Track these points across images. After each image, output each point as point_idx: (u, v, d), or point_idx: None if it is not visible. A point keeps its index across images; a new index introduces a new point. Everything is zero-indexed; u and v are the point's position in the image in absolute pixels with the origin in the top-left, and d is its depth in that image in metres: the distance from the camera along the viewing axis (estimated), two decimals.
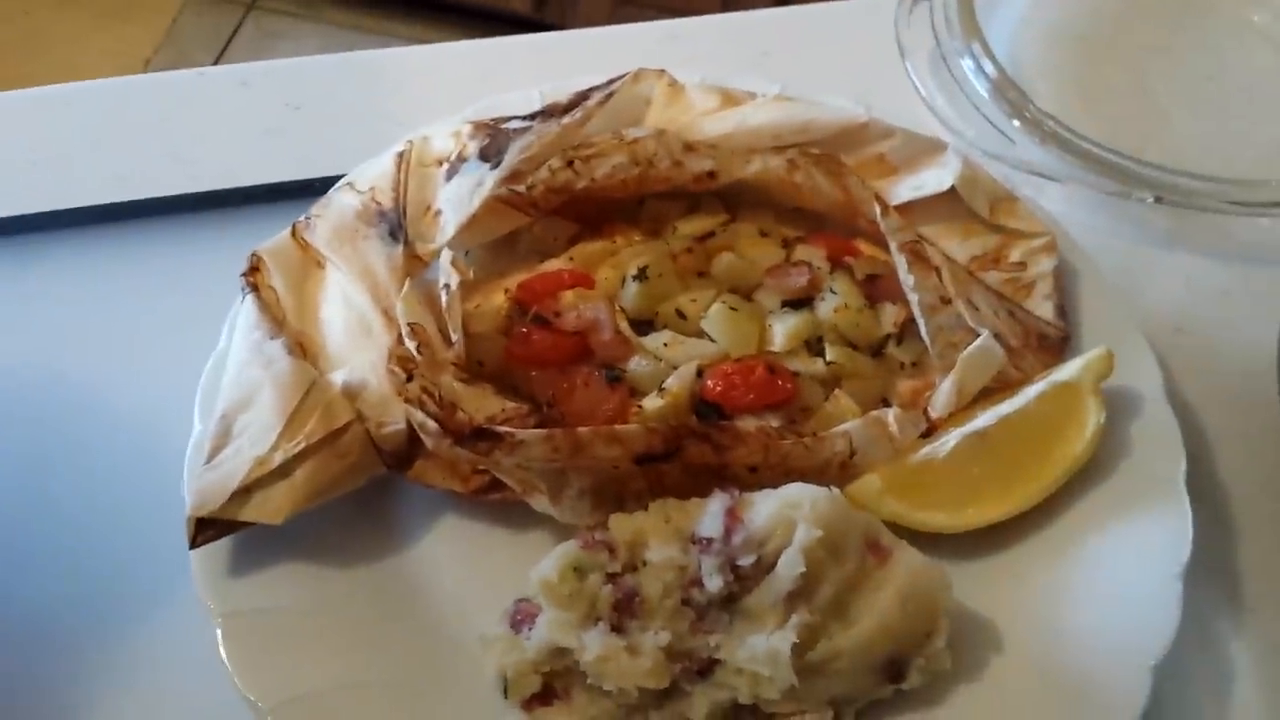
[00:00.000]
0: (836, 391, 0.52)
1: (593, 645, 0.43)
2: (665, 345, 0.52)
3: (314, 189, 0.61)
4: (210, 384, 0.51)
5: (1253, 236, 0.65)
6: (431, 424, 0.46)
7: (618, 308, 0.53)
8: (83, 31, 2.17)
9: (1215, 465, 0.59)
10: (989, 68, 0.69)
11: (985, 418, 0.51)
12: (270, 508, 0.46)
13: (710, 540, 0.45)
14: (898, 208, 0.56)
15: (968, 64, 0.70)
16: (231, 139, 0.67)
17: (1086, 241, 0.61)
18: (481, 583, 0.48)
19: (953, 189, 0.56)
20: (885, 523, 0.48)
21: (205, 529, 0.46)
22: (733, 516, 0.45)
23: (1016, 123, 0.68)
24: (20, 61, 2.10)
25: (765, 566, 0.44)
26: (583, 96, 0.58)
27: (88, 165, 0.66)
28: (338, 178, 0.59)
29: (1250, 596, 0.55)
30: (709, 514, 0.45)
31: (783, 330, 0.53)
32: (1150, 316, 0.61)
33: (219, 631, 0.46)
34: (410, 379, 0.46)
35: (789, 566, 0.44)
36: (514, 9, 1.95)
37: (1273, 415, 0.58)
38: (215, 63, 2.17)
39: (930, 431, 0.51)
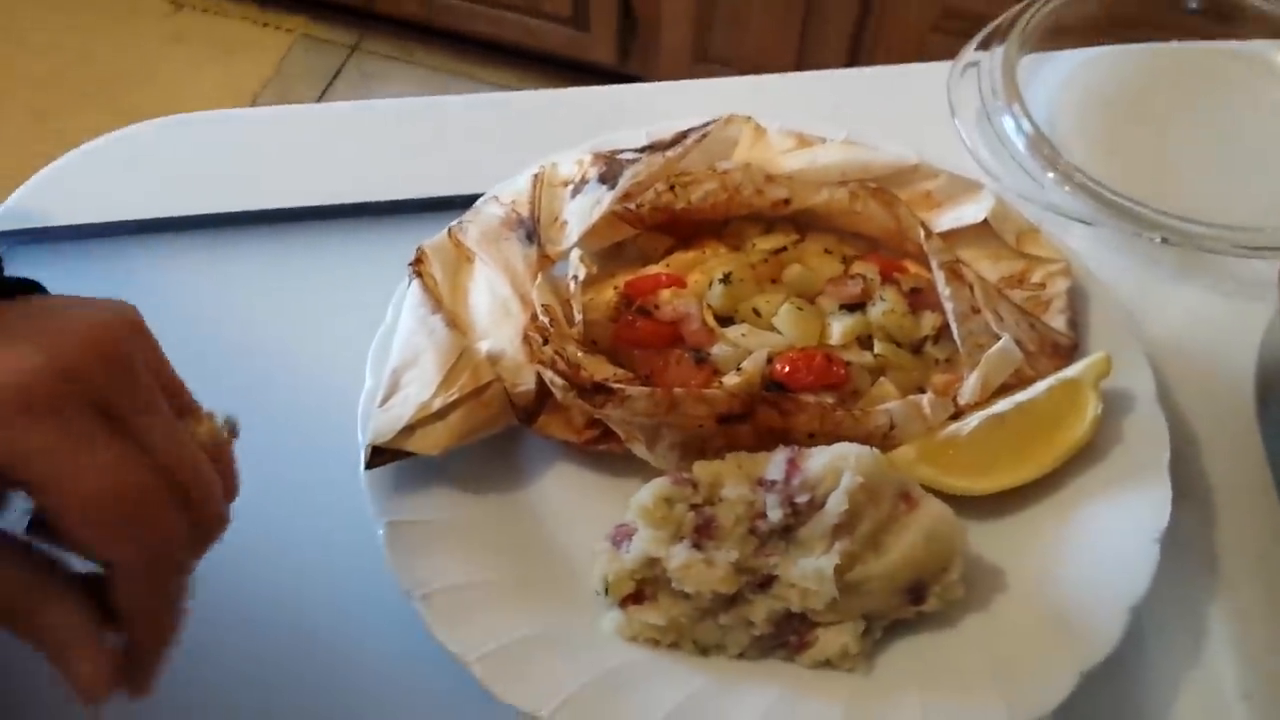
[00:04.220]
0: (881, 379, 0.63)
1: (678, 557, 0.55)
2: (743, 335, 0.64)
3: (456, 204, 0.73)
4: (380, 350, 0.64)
5: (1249, 275, 0.75)
6: (560, 380, 0.58)
7: (705, 305, 0.65)
8: (195, 65, 2.32)
9: (1202, 464, 0.68)
10: (1027, 126, 0.81)
11: (1002, 404, 0.62)
12: (429, 442, 0.59)
13: (774, 482, 0.56)
14: (939, 234, 0.67)
15: (1009, 122, 0.81)
16: (390, 161, 0.80)
17: (1103, 274, 0.72)
18: (588, 512, 0.60)
19: (986, 221, 0.68)
20: None
21: (378, 456, 0.59)
22: (793, 465, 0.56)
23: (1051, 175, 0.79)
24: (129, 90, 2.26)
25: (817, 504, 0.55)
26: (682, 135, 0.71)
27: (271, 179, 0.79)
28: (475, 195, 0.72)
29: (1225, 571, 0.64)
30: (774, 462, 0.57)
31: (839, 328, 0.64)
32: (1155, 340, 0.71)
33: (382, 536, 0.58)
34: (546, 343, 0.59)
35: (835, 505, 0.54)
36: (597, 60, 2.08)
37: (1252, 424, 0.69)
38: (318, 100, 2.31)
39: (957, 415, 0.63)
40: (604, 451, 0.62)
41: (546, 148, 0.73)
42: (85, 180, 0.79)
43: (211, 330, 0.70)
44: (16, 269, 0.75)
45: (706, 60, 1.94)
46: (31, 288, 0.47)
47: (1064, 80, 0.86)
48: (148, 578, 0.41)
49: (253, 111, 0.85)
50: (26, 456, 0.38)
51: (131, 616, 0.42)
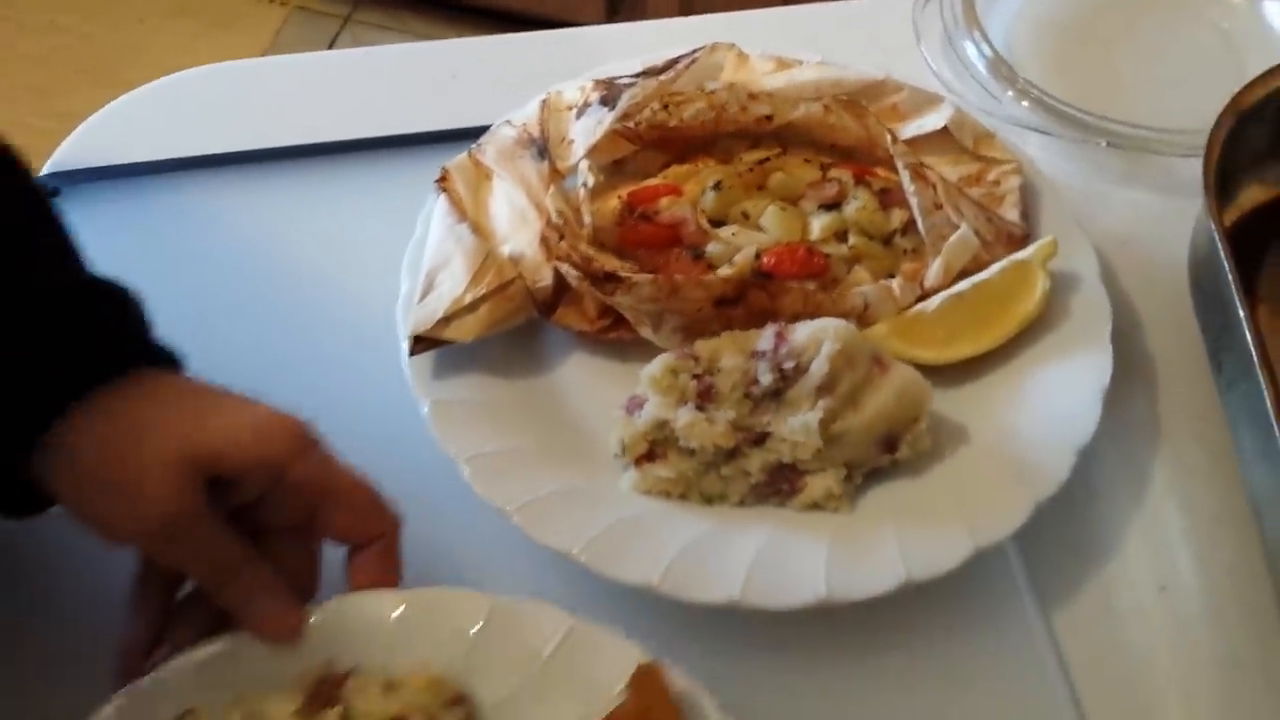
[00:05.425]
0: (856, 267, 0.71)
1: (683, 417, 0.63)
2: (733, 234, 0.72)
3: (471, 134, 0.81)
4: (412, 258, 0.71)
5: (1187, 174, 0.83)
6: (575, 271, 0.67)
7: (699, 210, 0.73)
8: (192, 40, 2.37)
9: (1145, 342, 0.76)
10: (986, 50, 0.89)
11: (962, 284, 0.70)
12: (463, 331, 0.67)
13: (764, 352, 0.64)
14: (904, 141, 0.76)
15: (970, 47, 0.89)
16: (406, 99, 0.88)
17: (1056, 178, 0.80)
18: (601, 391, 0.68)
19: (946, 128, 0.77)
20: None
21: (419, 344, 0.67)
22: (780, 337, 0.65)
23: (1009, 92, 0.87)
24: (128, 66, 2.31)
25: (802, 369, 0.63)
26: (673, 62, 0.78)
27: (306, 118, 0.86)
28: (487, 127, 0.80)
29: (1167, 431, 0.72)
30: (764, 336, 0.65)
31: (818, 225, 0.73)
32: (1101, 234, 0.78)
33: (426, 413, 0.66)
34: (562, 239, 0.68)
35: (818, 368, 0.62)
36: (586, 21, 2.14)
37: (1189, 305, 0.77)
38: None
39: (923, 297, 0.71)
40: (614, 339, 0.70)
41: (548, 83, 0.81)
42: (128, 128, 0.87)
43: (262, 251, 0.79)
44: (76, 206, 0.83)
45: (692, 14, 2.00)
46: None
47: (1019, 7, 0.94)
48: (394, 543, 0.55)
49: (284, 59, 0.93)
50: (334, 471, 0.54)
51: (370, 577, 0.55)
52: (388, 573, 0.55)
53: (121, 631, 0.54)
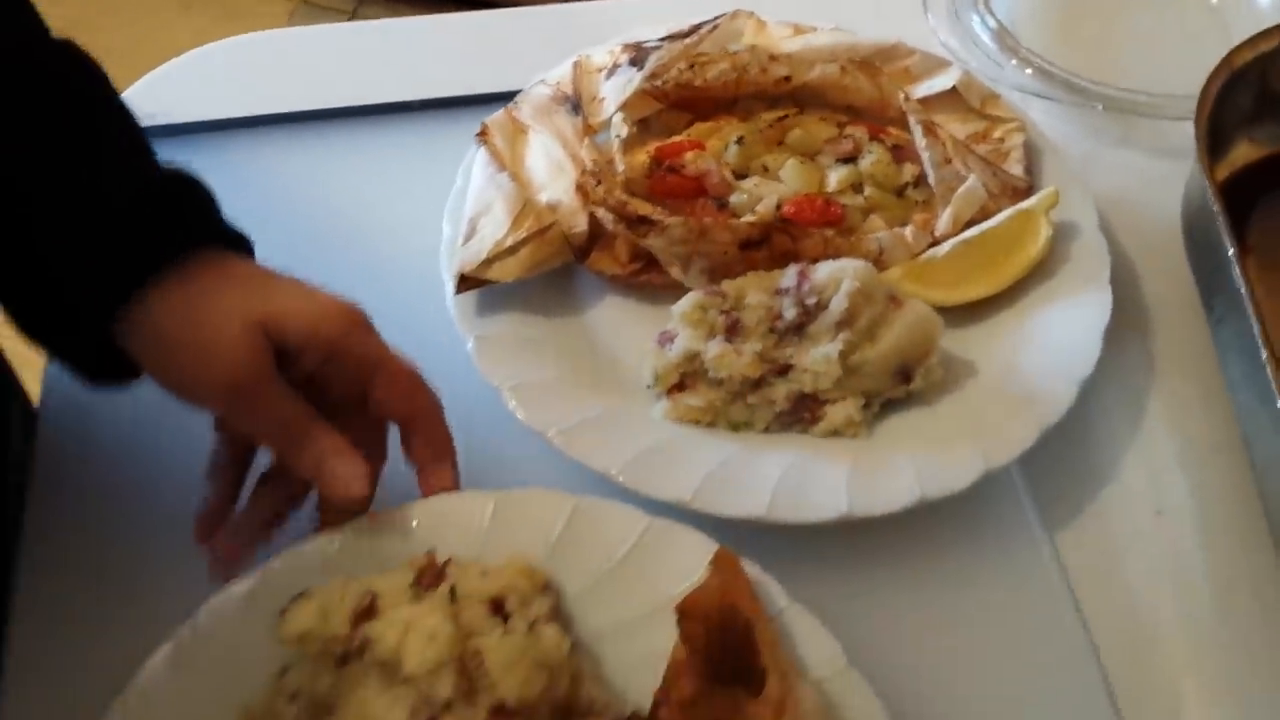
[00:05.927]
0: (871, 216, 0.76)
1: (712, 349, 0.67)
2: (755, 186, 0.77)
3: (503, 98, 0.85)
4: (454, 205, 0.76)
5: (1180, 137, 0.88)
6: (611, 215, 0.71)
7: (723, 163, 0.78)
8: (200, 34, 2.41)
9: (1141, 292, 0.81)
10: (991, 22, 0.94)
11: (971, 231, 0.75)
12: (505, 271, 0.71)
13: (788, 289, 0.69)
14: (916, 100, 0.81)
15: (975, 19, 0.94)
16: (443, 65, 0.92)
17: (1056, 140, 0.85)
18: (632, 330, 0.73)
19: (954, 89, 0.81)
20: None
21: (464, 283, 0.71)
22: (803, 275, 0.69)
23: (1013, 61, 0.92)
24: (138, 59, 2.36)
25: (823, 305, 0.67)
26: (696, 28, 0.83)
27: (329, 84, 0.90)
28: (519, 91, 0.85)
29: (1160, 368, 0.78)
30: (787, 274, 0.69)
31: (835, 177, 0.77)
32: (1099, 192, 0.83)
33: (471, 347, 0.70)
34: (599, 184, 0.72)
35: (838, 304, 0.67)
36: None
37: (1183, 257, 0.82)
38: None
39: (934, 244, 0.76)
40: (644, 283, 0.75)
41: (575, 51, 0.85)
42: (171, 94, 0.91)
43: (311, 205, 0.83)
44: None
45: None
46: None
47: None
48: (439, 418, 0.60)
49: (314, 29, 0.98)
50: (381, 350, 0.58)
51: (426, 451, 0.59)
52: (441, 451, 0.60)
53: (200, 497, 0.59)
